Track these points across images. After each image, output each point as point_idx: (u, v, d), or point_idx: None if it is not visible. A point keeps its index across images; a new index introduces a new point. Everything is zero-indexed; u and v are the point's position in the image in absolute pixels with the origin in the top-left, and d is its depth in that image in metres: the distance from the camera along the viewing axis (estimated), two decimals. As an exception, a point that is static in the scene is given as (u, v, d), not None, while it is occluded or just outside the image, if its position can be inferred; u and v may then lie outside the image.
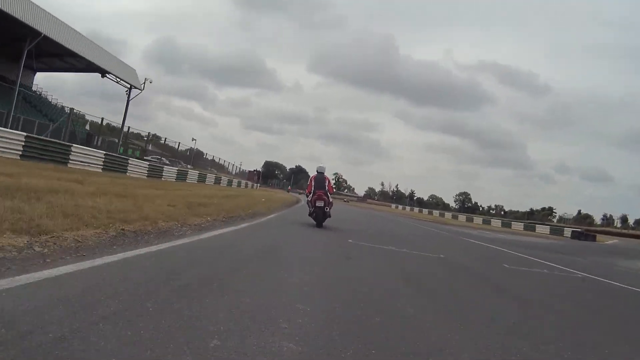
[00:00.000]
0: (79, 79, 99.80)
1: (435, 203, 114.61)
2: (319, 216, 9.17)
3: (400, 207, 78.42)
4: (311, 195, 9.39)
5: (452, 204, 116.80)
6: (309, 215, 9.49)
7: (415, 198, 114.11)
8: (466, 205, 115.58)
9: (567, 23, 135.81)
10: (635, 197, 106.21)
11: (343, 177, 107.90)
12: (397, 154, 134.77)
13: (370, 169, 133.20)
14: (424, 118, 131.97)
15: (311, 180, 9.75)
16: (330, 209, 9.41)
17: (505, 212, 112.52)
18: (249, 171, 53.90)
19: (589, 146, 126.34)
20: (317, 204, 9.13)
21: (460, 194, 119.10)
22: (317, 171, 9.90)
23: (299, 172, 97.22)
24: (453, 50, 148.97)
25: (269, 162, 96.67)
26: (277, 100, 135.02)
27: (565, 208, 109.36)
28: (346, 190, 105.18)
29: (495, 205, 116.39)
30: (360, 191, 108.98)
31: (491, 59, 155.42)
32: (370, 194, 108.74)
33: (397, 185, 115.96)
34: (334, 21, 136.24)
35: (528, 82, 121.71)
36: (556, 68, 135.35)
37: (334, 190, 10.94)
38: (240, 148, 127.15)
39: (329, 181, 9.71)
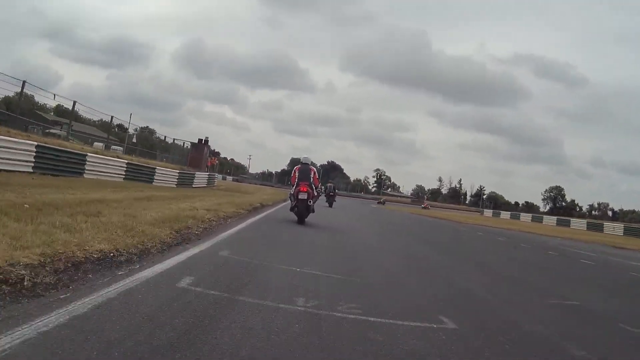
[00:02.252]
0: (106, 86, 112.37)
1: (516, 204, 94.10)
2: (302, 210, 8.75)
3: (504, 215, 51.40)
4: (294, 187, 8.90)
5: (537, 202, 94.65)
6: (291, 210, 9.12)
7: (484, 196, 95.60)
8: (557, 204, 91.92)
9: (600, 12, 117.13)
10: None
11: (386, 174, 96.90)
12: (432, 154, 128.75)
13: (405, 169, 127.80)
14: (458, 116, 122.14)
15: (295, 172, 9.19)
16: (314, 202, 9.03)
17: (614, 212, 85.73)
18: (192, 144, 28.40)
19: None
20: (299, 197, 8.64)
21: (552, 190, 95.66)
22: (301, 162, 9.42)
23: (333, 169, 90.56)
24: (487, 44, 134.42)
25: (295, 159, 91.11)
26: (310, 102, 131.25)
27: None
28: (390, 189, 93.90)
29: (598, 204, 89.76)
30: (403, 190, 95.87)
31: (527, 51, 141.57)
32: (419, 192, 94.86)
33: (460, 180, 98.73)
34: (364, 16, 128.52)
35: (565, 74, 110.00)
36: (593, 58, 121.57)
37: (320, 183, 10.34)
38: (273, 152, 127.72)
39: (314, 172, 9.15)
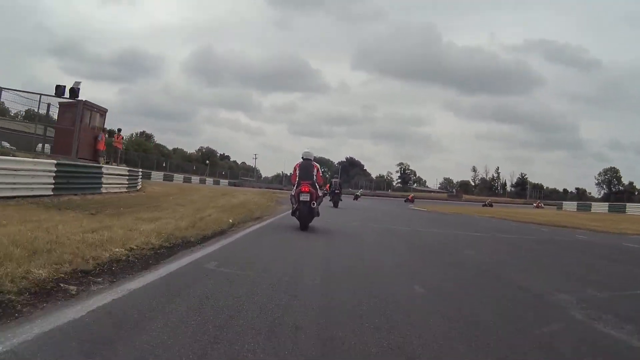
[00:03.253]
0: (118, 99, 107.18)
1: (565, 191, 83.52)
2: (304, 215, 7.57)
3: (596, 207, 39.26)
4: (295, 187, 7.81)
5: (589, 187, 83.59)
6: (292, 214, 7.92)
7: (528, 186, 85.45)
8: (613, 188, 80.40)
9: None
10: None
11: (410, 168, 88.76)
12: (449, 146, 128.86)
13: (422, 164, 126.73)
14: (473, 107, 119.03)
15: (295, 169, 8.05)
16: (319, 204, 7.88)
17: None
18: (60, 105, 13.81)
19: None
20: (301, 199, 7.52)
21: (606, 172, 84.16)
22: (302, 157, 8.20)
23: (352, 165, 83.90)
24: (497, 33, 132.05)
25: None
26: (324, 102, 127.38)
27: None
28: (416, 184, 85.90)
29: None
30: (430, 185, 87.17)
31: (537, 36, 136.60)
32: (446, 186, 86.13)
33: (498, 169, 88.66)
34: (372, 13, 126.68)
35: (577, 58, 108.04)
36: (605, 40, 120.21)
37: (324, 181, 9.16)
38: (290, 155, 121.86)
39: (317, 169, 8.05)
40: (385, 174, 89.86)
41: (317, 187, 7.74)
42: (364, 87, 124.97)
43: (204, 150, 73.26)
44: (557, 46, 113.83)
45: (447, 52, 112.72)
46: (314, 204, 7.50)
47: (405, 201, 37.33)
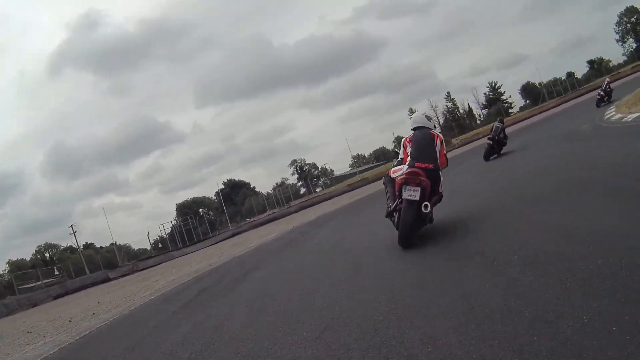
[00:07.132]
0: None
1: None
2: (406, 222, 4.06)
3: None
4: (400, 173, 4.31)
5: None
6: (387, 216, 4.54)
7: None
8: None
9: None
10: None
11: (307, 163, 73.16)
12: (318, 142, 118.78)
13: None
14: (327, 94, 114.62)
15: (404, 146, 4.61)
16: (434, 205, 4.41)
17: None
18: None
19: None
20: (405, 195, 4.09)
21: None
22: (414, 127, 4.75)
23: (236, 188, 64.82)
24: (325, 14, 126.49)
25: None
26: (185, 150, 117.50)
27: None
28: (323, 178, 69.78)
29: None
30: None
31: (364, 1, 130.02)
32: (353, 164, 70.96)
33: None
34: (199, 44, 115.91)
35: (408, 4, 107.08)
36: None
37: (447, 160, 4.71)
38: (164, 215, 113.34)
39: (441, 142, 4.56)
40: (279, 181, 71.73)
41: (439, 173, 4.37)
42: (217, 120, 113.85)
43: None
44: (386, 2, 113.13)
45: (283, 53, 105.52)
46: (427, 206, 4.02)
47: (598, 103, 17.58)
